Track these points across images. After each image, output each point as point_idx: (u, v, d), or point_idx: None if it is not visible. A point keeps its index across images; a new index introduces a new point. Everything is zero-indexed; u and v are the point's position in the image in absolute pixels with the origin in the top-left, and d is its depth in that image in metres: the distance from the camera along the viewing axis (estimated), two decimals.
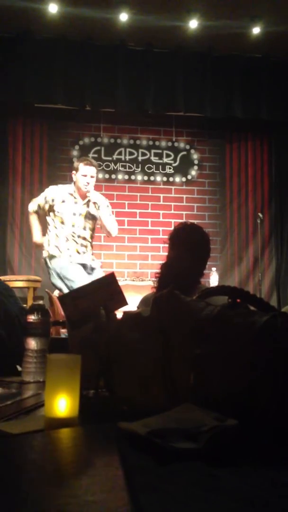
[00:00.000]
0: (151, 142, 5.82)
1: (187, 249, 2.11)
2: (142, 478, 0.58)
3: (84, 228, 3.86)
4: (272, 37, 5.01)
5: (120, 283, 1.35)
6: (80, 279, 3.57)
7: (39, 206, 3.89)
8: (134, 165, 5.76)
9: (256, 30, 4.96)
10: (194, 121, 5.64)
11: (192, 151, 5.87)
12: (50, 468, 0.56)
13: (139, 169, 5.76)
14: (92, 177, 3.82)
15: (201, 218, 5.71)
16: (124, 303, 1.29)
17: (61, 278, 3.72)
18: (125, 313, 1.11)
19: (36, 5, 4.59)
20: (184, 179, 5.83)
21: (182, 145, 5.87)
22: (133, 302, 2.14)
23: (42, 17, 4.75)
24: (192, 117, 5.48)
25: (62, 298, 1.24)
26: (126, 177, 5.74)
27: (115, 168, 5.72)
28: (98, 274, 3.79)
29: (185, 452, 0.69)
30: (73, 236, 3.81)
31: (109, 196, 5.65)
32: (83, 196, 3.82)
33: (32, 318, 1.42)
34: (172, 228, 2.26)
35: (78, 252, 3.81)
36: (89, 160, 3.90)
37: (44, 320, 1.44)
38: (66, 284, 3.67)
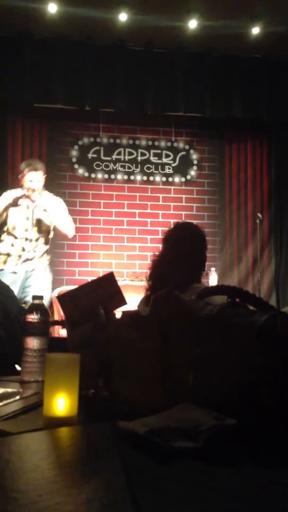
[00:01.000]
0: (150, 142, 5.82)
1: (171, 245, 2.10)
2: (141, 477, 0.58)
3: (38, 231, 3.81)
4: (271, 38, 5.01)
5: (119, 283, 1.35)
6: None
7: None
8: (134, 165, 5.76)
9: (255, 31, 4.96)
10: (194, 121, 5.64)
11: (192, 151, 5.87)
12: (49, 468, 0.56)
13: (138, 169, 5.76)
14: (39, 181, 3.76)
15: (201, 218, 5.71)
16: (123, 302, 1.29)
17: None
18: (124, 312, 1.11)
19: (36, 5, 4.59)
20: (183, 179, 5.84)
21: (181, 145, 5.87)
22: (132, 302, 2.13)
23: (42, 17, 4.75)
24: (192, 117, 5.48)
25: (61, 297, 1.24)
26: (126, 177, 5.74)
27: (114, 168, 5.72)
28: (34, 278, 3.75)
29: (184, 451, 0.69)
30: (22, 242, 3.76)
31: (108, 197, 5.69)
32: (32, 199, 3.78)
33: (31, 317, 1.42)
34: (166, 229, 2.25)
35: (20, 257, 3.76)
36: (33, 165, 3.77)
37: (44, 320, 1.44)
38: None
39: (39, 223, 3.82)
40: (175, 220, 2.33)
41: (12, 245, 3.77)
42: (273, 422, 0.79)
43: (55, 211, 3.79)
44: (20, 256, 3.77)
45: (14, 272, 3.76)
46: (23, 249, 3.77)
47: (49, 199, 3.80)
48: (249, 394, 0.83)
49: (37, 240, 3.82)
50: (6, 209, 3.73)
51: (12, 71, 4.97)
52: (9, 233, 3.80)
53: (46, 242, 3.90)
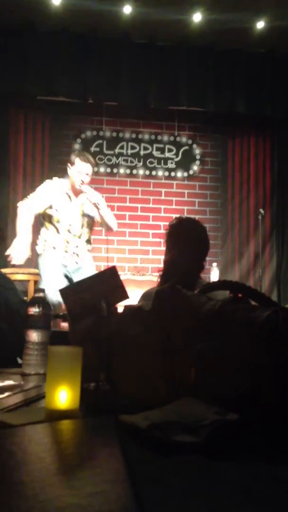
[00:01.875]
0: (153, 137, 5.80)
1: (188, 244, 2.10)
2: (143, 470, 0.59)
3: (82, 227, 3.81)
4: (276, 32, 4.98)
5: (121, 277, 1.35)
6: (49, 279, 3.54)
7: (34, 202, 3.69)
8: (136, 159, 5.75)
9: (260, 25, 4.93)
10: (197, 115, 5.61)
11: (194, 146, 5.85)
12: (51, 460, 0.56)
13: (141, 164, 5.74)
14: (87, 174, 3.73)
15: (202, 214, 5.70)
16: (125, 297, 1.29)
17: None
18: (126, 307, 1.11)
19: None
20: (185, 174, 5.82)
21: (184, 139, 5.85)
22: (133, 296, 2.13)
23: (45, 9, 4.73)
24: (195, 111, 5.46)
25: (63, 291, 1.24)
26: (128, 171, 5.73)
27: (117, 162, 5.71)
28: (84, 272, 3.72)
29: (185, 445, 0.70)
30: (67, 235, 3.75)
31: (110, 191, 5.67)
32: (77, 193, 3.75)
33: (33, 310, 1.42)
34: (168, 224, 2.25)
35: (66, 251, 3.75)
36: (86, 157, 3.72)
37: (45, 313, 1.44)
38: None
39: (84, 218, 3.78)
40: (177, 216, 2.32)
41: (56, 238, 3.75)
42: (274, 419, 0.79)
43: (103, 205, 3.75)
44: (66, 251, 3.75)
45: (65, 265, 3.74)
46: (67, 242, 3.75)
47: (95, 193, 3.76)
48: (250, 390, 0.83)
49: (80, 236, 3.79)
50: (49, 199, 3.68)
51: (15, 64, 4.94)
52: (52, 225, 3.75)
53: (89, 238, 3.89)
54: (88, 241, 3.91)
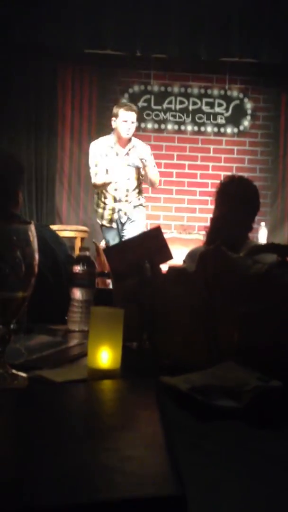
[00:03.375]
0: (202, 91, 5.61)
1: (239, 203, 2.05)
2: (181, 435, 0.58)
3: (129, 179, 3.81)
4: None
5: (167, 236, 1.34)
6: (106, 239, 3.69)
7: (96, 163, 3.80)
8: (184, 114, 5.59)
9: None
10: (249, 68, 5.36)
11: (246, 100, 5.62)
12: (89, 420, 0.57)
13: (189, 119, 5.59)
14: (132, 122, 3.73)
15: (252, 171, 5.53)
16: (170, 257, 1.27)
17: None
18: (170, 267, 1.09)
19: None
20: (236, 130, 5.63)
21: (235, 93, 5.62)
22: (179, 255, 2.12)
23: None
24: (247, 63, 5.21)
25: (108, 250, 1.24)
26: (176, 127, 5.60)
27: (165, 117, 5.58)
28: (135, 227, 3.77)
29: (226, 410, 0.69)
30: (115, 189, 3.78)
31: (157, 147, 5.57)
32: (124, 143, 3.75)
33: (78, 268, 1.43)
34: (219, 181, 2.20)
35: (113, 210, 3.80)
36: (129, 105, 3.80)
37: (90, 271, 1.45)
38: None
39: (131, 171, 3.81)
40: (229, 174, 2.27)
41: (105, 197, 3.81)
42: None
43: (149, 158, 3.77)
44: (113, 209, 3.81)
45: (111, 226, 3.84)
46: (115, 200, 3.80)
47: (139, 145, 3.78)
48: None
49: (130, 189, 3.83)
50: (99, 162, 3.75)
51: (63, 17, 4.84)
52: (102, 185, 3.81)
53: (140, 191, 3.92)
54: (139, 192, 3.91)
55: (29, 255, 0.76)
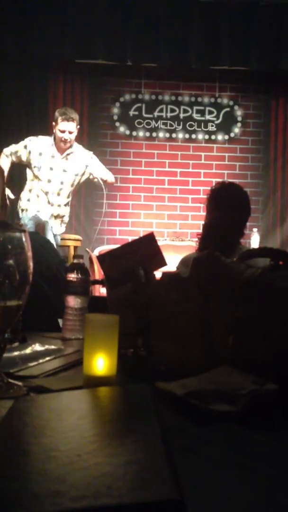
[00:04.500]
0: (193, 98, 5.65)
1: (229, 209, 2.06)
2: (179, 439, 0.59)
3: (62, 183, 3.79)
4: None
5: (160, 243, 1.34)
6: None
7: (15, 152, 3.76)
8: (176, 122, 5.63)
9: None
10: (239, 75, 5.41)
11: (236, 107, 5.67)
12: (87, 427, 0.57)
13: (181, 127, 5.63)
14: (70, 133, 3.69)
15: (243, 177, 5.57)
16: (163, 263, 1.28)
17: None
18: (164, 273, 1.10)
19: None
20: (226, 137, 5.67)
21: (225, 101, 5.67)
22: (172, 262, 2.13)
23: None
24: (237, 71, 5.26)
25: (101, 257, 1.24)
26: (167, 135, 5.63)
27: (156, 126, 5.61)
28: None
29: (222, 414, 0.69)
30: (46, 192, 3.76)
31: (149, 155, 5.60)
32: (62, 150, 3.73)
33: (72, 276, 1.44)
34: (210, 188, 2.21)
35: (42, 208, 3.78)
36: (68, 114, 3.69)
37: (84, 279, 1.45)
38: None
39: (64, 176, 3.80)
40: (220, 180, 2.29)
41: (37, 195, 3.79)
42: None
43: (91, 163, 3.76)
44: (42, 208, 3.79)
45: (39, 220, 3.78)
46: (48, 202, 3.79)
47: (80, 151, 3.77)
48: None
49: (59, 193, 3.82)
50: (29, 156, 3.72)
51: (54, 28, 4.87)
52: (33, 182, 3.80)
53: (68, 197, 3.90)
54: (68, 200, 3.90)
55: (23, 263, 0.76)
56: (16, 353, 1.04)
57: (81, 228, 5.31)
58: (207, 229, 2.07)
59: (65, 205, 3.94)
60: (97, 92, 5.58)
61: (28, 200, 3.83)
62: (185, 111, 5.65)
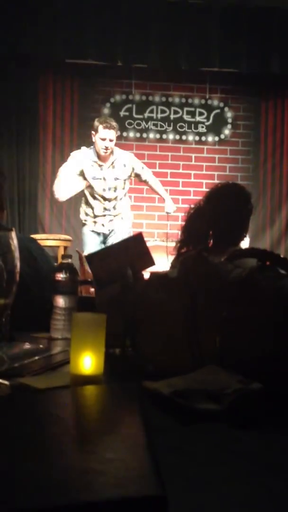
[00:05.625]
0: (184, 100, 5.66)
1: (212, 202, 2.04)
2: (164, 438, 0.59)
3: (115, 190, 3.84)
4: None
5: (150, 243, 1.35)
6: (89, 248, 3.73)
7: (72, 170, 3.82)
8: (166, 123, 5.64)
9: None
10: (229, 77, 5.43)
11: (226, 109, 5.69)
12: (72, 425, 0.57)
13: (171, 128, 5.64)
14: (111, 140, 3.74)
15: (234, 179, 5.57)
16: (152, 263, 1.28)
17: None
18: (152, 273, 1.10)
19: None
20: (217, 139, 5.69)
21: (215, 102, 5.69)
22: (162, 263, 2.12)
23: None
24: (227, 73, 5.27)
25: (90, 257, 1.24)
26: (158, 136, 5.63)
27: (147, 126, 5.62)
28: (116, 237, 3.81)
29: (208, 413, 0.69)
30: (101, 201, 3.81)
31: (140, 156, 5.56)
32: (105, 158, 3.77)
33: (60, 276, 1.43)
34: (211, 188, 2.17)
35: (95, 216, 3.83)
36: (108, 123, 3.76)
37: (73, 279, 1.45)
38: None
39: (115, 182, 3.84)
40: (223, 181, 2.28)
41: (91, 206, 3.84)
42: None
43: (135, 166, 3.83)
44: (98, 217, 3.84)
45: (97, 233, 3.86)
46: (105, 209, 3.84)
47: (124, 156, 3.82)
48: (275, 358, 0.82)
49: (115, 199, 3.87)
50: (82, 167, 3.77)
51: (44, 27, 4.85)
52: (87, 194, 3.85)
53: (120, 199, 3.95)
54: (123, 201, 3.96)
55: (10, 262, 0.76)
56: (3, 352, 1.04)
57: (71, 228, 5.31)
58: (199, 223, 2.03)
59: (122, 206, 3.97)
60: (87, 92, 5.57)
61: (86, 214, 3.88)
62: (175, 112, 5.66)
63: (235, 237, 2.04)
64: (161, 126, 5.63)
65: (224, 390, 0.73)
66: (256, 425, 0.68)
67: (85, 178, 3.79)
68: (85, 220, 3.95)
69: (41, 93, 5.49)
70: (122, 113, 5.58)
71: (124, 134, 5.57)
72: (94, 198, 3.84)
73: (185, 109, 5.66)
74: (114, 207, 3.89)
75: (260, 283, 0.92)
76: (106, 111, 5.57)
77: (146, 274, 1.17)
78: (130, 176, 3.93)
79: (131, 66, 5.30)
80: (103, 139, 3.71)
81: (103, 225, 3.88)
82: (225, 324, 0.89)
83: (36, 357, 1.05)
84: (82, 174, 3.79)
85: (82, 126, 5.51)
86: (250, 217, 2.09)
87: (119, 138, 5.54)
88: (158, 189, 4.18)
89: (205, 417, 0.68)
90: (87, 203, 3.90)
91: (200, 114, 5.67)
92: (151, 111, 5.63)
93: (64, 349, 1.17)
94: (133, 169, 3.88)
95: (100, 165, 3.78)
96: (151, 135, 5.63)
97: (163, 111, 5.65)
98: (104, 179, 3.79)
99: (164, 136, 5.64)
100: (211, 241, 2.02)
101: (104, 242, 3.92)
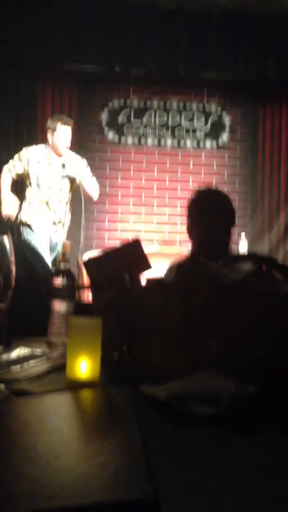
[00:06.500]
0: (181, 105, 5.68)
1: (219, 214, 2.06)
2: (159, 442, 0.59)
3: (61, 189, 3.82)
4: None
5: (149, 248, 1.35)
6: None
7: (13, 166, 3.82)
8: (164, 129, 5.65)
9: None
10: (227, 83, 5.45)
11: (224, 114, 5.71)
12: (67, 429, 0.57)
13: (169, 134, 5.65)
14: (68, 137, 3.76)
15: (232, 184, 5.60)
16: (148, 267, 1.28)
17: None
18: (148, 279, 1.10)
19: None
20: (215, 145, 5.70)
21: (213, 108, 5.71)
22: (161, 268, 2.12)
23: None
24: (225, 79, 5.30)
25: (87, 262, 1.24)
26: (156, 141, 5.65)
27: (145, 132, 5.63)
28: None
29: (203, 417, 0.69)
30: (47, 202, 3.78)
31: (138, 161, 5.61)
32: (58, 157, 3.77)
33: (58, 280, 1.43)
34: (193, 195, 2.20)
35: (48, 219, 3.80)
36: (65, 119, 3.79)
37: (70, 283, 1.45)
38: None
39: (65, 182, 3.82)
40: (198, 187, 2.29)
41: (40, 206, 3.81)
42: None
43: (83, 171, 3.78)
44: (48, 218, 3.81)
45: (44, 235, 3.82)
46: (49, 209, 3.81)
47: (75, 158, 3.80)
48: (271, 362, 0.82)
49: (59, 200, 3.84)
50: (27, 166, 3.75)
51: (42, 33, 4.87)
52: (33, 193, 3.82)
53: (67, 204, 3.92)
54: (67, 207, 3.93)
55: (5, 266, 0.76)
56: (0, 356, 1.04)
57: (69, 233, 5.31)
58: (201, 242, 2.08)
59: (66, 212, 3.94)
60: (85, 98, 5.59)
61: (29, 213, 3.84)
62: (173, 117, 5.68)
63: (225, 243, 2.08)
64: (159, 132, 5.65)
65: (220, 394, 0.73)
66: (252, 429, 0.68)
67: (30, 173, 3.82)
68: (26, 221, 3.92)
69: (39, 99, 5.50)
70: (120, 119, 5.59)
71: (122, 140, 5.59)
72: (41, 198, 3.84)
73: (183, 114, 5.68)
74: (59, 211, 3.88)
75: (256, 287, 0.93)
76: (104, 116, 5.59)
77: (143, 279, 1.17)
78: (76, 181, 3.89)
79: (129, 72, 5.32)
80: (61, 136, 3.75)
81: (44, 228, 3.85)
82: (221, 328, 0.89)
83: (33, 362, 1.05)
84: (18, 170, 3.83)
85: (80, 132, 5.52)
86: (234, 220, 2.12)
87: (117, 143, 5.58)
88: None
89: (201, 421, 0.68)
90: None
91: (198, 119, 5.69)
92: (149, 117, 5.65)
93: (61, 353, 1.17)
94: (80, 175, 3.84)
95: (50, 163, 3.78)
96: (149, 141, 5.64)
97: (161, 117, 5.67)
98: (50, 175, 3.79)
99: (162, 142, 5.65)
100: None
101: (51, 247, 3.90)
